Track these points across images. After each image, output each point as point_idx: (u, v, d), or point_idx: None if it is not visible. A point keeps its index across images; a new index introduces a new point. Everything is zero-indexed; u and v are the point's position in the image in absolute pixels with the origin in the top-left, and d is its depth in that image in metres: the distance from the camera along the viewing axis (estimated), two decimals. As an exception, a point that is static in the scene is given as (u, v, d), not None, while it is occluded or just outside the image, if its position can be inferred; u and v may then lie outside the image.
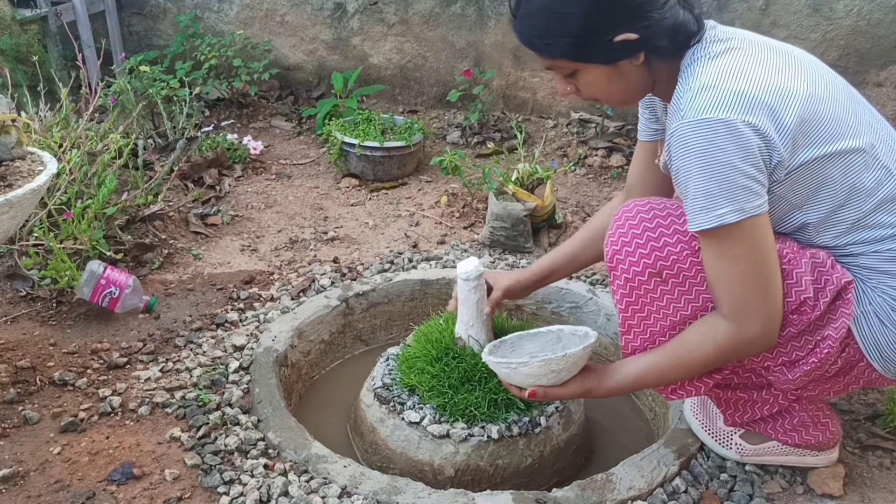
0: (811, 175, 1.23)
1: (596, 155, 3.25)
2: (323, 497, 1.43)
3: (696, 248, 1.28)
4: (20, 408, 1.67)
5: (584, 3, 1.21)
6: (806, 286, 1.25)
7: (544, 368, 1.33)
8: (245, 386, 1.76)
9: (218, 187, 2.93)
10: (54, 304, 2.06)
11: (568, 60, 1.28)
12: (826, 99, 1.23)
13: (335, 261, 2.39)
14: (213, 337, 1.96)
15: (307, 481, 1.47)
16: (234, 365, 1.82)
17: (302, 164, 3.29)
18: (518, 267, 2.32)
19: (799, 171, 1.22)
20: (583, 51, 1.25)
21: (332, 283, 2.22)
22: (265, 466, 1.51)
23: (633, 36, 1.22)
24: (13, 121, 1.62)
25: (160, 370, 1.82)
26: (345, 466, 1.50)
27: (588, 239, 1.66)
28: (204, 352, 1.90)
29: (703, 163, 1.16)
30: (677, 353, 1.30)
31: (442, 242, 2.55)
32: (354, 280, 2.23)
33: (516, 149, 3.06)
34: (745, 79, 1.18)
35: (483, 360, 1.44)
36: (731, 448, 1.55)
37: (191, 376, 1.80)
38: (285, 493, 1.44)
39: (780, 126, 1.17)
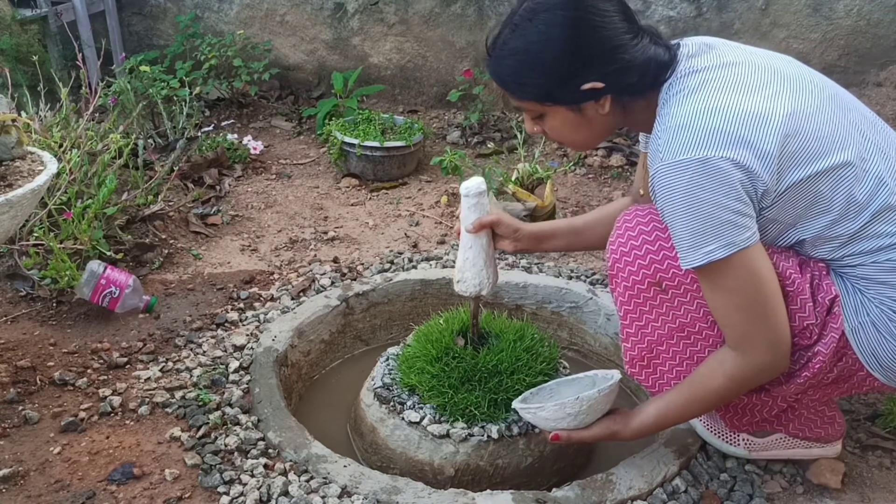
0: (801, 195, 1.22)
1: (596, 155, 3.25)
2: (323, 497, 1.43)
3: None
4: (20, 407, 1.67)
5: (555, 49, 1.24)
6: (809, 312, 1.26)
7: (560, 412, 1.38)
8: (245, 386, 1.76)
9: (218, 187, 2.93)
10: (54, 304, 2.06)
11: (535, 103, 1.32)
12: (809, 115, 1.22)
13: (335, 261, 2.39)
14: (213, 337, 1.96)
15: (307, 481, 1.47)
16: (234, 365, 1.82)
17: (302, 164, 3.29)
18: (518, 267, 2.32)
19: (788, 194, 1.21)
20: (550, 95, 1.29)
21: (332, 282, 2.22)
22: (265, 466, 1.51)
23: (599, 85, 1.24)
24: (13, 121, 1.62)
25: (160, 370, 1.82)
26: (345, 466, 1.50)
27: (595, 221, 1.63)
28: (204, 352, 1.90)
29: (685, 203, 1.17)
30: (692, 389, 1.32)
31: (442, 242, 2.55)
32: (354, 280, 2.23)
33: (516, 149, 3.06)
34: (720, 113, 1.18)
35: (512, 406, 1.49)
36: (738, 444, 1.54)
37: (191, 376, 1.80)
38: (285, 493, 1.44)
39: (762, 155, 1.17)
